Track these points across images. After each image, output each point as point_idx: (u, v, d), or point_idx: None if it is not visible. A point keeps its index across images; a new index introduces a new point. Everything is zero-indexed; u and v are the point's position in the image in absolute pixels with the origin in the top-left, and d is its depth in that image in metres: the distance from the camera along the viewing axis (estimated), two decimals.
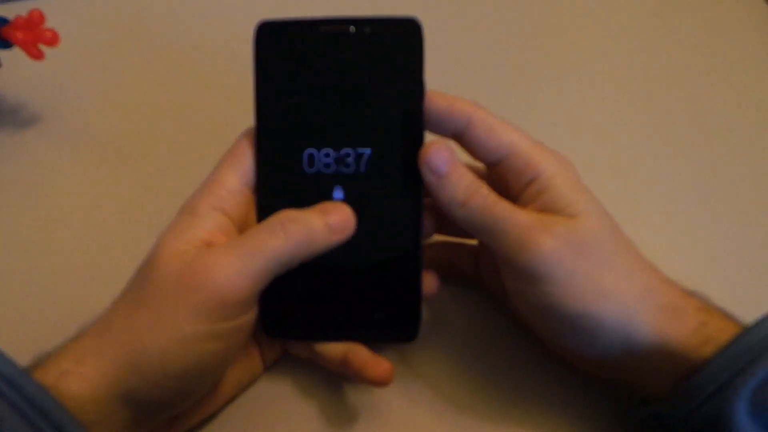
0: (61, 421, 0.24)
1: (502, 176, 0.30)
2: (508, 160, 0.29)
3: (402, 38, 0.29)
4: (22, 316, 0.35)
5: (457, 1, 0.52)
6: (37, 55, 0.40)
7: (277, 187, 0.30)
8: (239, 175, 0.29)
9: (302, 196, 0.30)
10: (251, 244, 0.27)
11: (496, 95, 0.43)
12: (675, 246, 0.38)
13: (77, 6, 0.50)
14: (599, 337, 0.27)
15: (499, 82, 0.47)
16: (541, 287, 0.27)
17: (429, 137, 0.30)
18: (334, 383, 0.33)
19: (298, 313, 0.30)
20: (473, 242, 0.35)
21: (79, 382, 0.25)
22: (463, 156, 0.30)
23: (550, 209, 0.28)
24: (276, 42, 0.30)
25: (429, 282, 0.31)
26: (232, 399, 0.32)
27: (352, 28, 0.29)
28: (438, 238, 0.35)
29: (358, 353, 0.30)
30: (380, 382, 0.29)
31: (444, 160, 0.28)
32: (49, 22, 0.40)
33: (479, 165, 0.31)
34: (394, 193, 0.30)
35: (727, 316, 0.28)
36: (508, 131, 0.29)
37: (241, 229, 0.30)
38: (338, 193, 0.30)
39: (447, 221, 0.31)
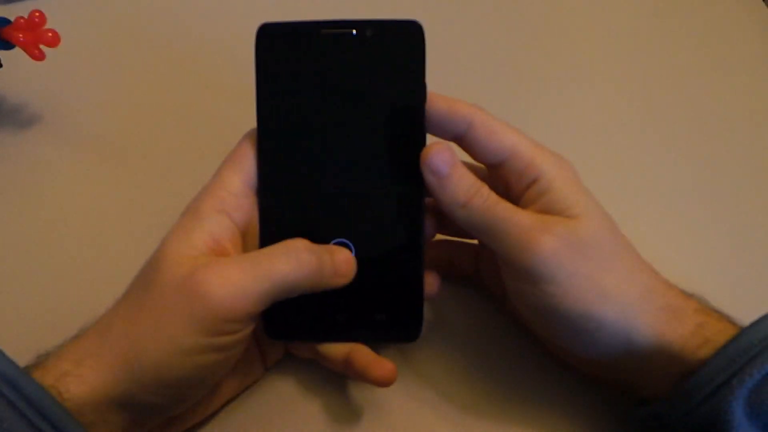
0: (61, 421, 0.24)
1: (503, 178, 0.30)
2: (509, 161, 0.29)
3: (403, 41, 0.29)
4: (22, 316, 0.35)
5: (458, 3, 0.52)
6: (38, 56, 0.40)
7: (280, 188, 0.30)
8: (241, 176, 0.29)
9: (304, 198, 0.30)
10: (263, 264, 0.27)
11: (496, 97, 0.43)
12: (674, 246, 0.38)
13: (78, 7, 0.50)
14: (599, 338, 0.28)
15: (500, 83, 0.47)
16: (542, 288, 0.27)
17: (430, 139, 0.30)
18: (336, 382, 0.33)
19: (299, 315, 0.30)
20: (473, 242, 0.35)
21: (77, 383, 0.25)
22: (464, 157, 0.30)
23: (550, 210, 0.28)
24: (277, 44, 0.30)
25: (430, 282, 0.31)
26: (231, 399, 0.32)
27: (353, 31, 0.29)
28: (438, 237, 0.35)
29: (360, 354, 0.30)
30: (383, 383, 0.29)
31: (445, 161, 0.28)
32: (50, 23, 0.40)
33: (480, 166, 0.31)
34: (396, 194, 0.30)
35: (724, 318, 0.28)
36: (509, 133, 0.29)
37: (245, 231, 0.30)
38: (340, 194, 0.30)
39: (448, 222, 0.32)
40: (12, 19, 0.40)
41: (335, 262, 0.28)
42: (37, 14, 0.39)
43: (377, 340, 0.32)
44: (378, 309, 0.30)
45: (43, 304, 0.36)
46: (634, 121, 0.45)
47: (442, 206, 0.29)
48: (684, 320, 0.27)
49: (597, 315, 0.27)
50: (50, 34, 0.39)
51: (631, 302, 0.27)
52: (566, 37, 0.50)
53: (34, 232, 0.39)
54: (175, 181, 0.39)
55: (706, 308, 0.29)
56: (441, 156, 0.28)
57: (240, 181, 0.29)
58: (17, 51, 0.40)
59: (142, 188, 0.41)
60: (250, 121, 0.30)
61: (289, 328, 0.31)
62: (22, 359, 0.26)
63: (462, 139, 0.30)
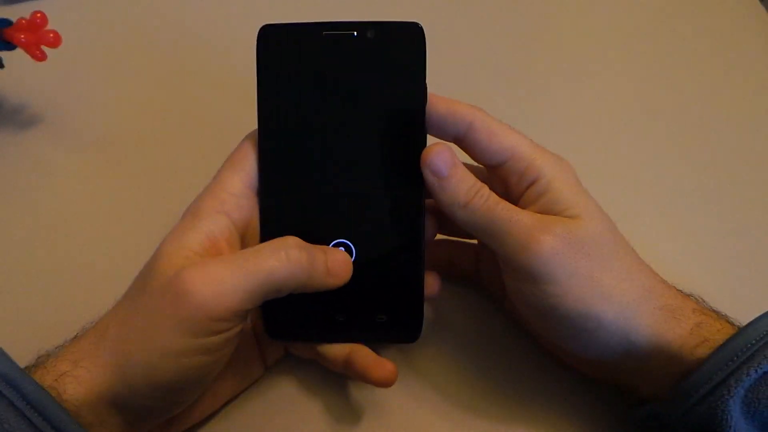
0: (60, 421, 0.24)
1: (502, 178, 0.30)
2: (509, 162, 0.30)
3: (404, 42, 0.29)
4: (22, 316, 0.35)
5: (457, 5, 0.52)
6: (40, 57, 0.40)
7: (280, 189, 0.30)
8: (242, 177, 0.29)
9: (305, 199, 0.30)
10: (249, 261, 0.26)
11: (496, 98, 0.44)
12: (673, 246, 0.39)
13: (79, 8, 0.50)
14: (598, 338, 0.28)
15: (500, 85, 0.47)
16: (542, 287, 0.27)
17: (430, 140, 0.30)
18: (336, 382, 0.33)
19: (300, 315, 0.31)
20: (473, 242, 0.35)
21: (75, 384, 0.25)
22: (463, 158, 0.31)
23: (550, 211, 0.29)
24: (279, 45, 0.30)
25: (430, 283, 0.31)
26: (231, 399, 0.32)
27: (354, 32, 0.29)
28: (438, 237, 0.35)
29: (361, 354, 0.30)
30: (384, 384, 0.29)
31: (445, 162, 0.28)
32: (52, 24, 0.40)
33: (480, 167, 0.31)
34: (396, 195, 0.30)
35: (722, 317, 0.29)
36: (509, 134, 0.30)
37: (244, 231, 0.30)
38: (341, 195, 0.30)
39: (448, 222, 0.32)
40: (13, 20, 0.40)
41: (329, 262, 0.28)
42: (38, 15, 0.39)
43: (377, 341, 0.32)
44: (378, 310, 0.30)
45: (43, 304, 0.36)
46: (633, 121, 0.45)
47: (442, 207, 0.29)
48: (682, 320, 0.28)
49: (596, 314, 0.27)
50: (51, 35, 0.39)
51: (630, 302, 0.28)
52: (566, 38, 0.51)
53: (34, 232, 0.39)
54: (175, 182, 0.39)
55: (704, 308, 0.29)
56: (441, 156, 0.28)
57: (240, 182, 0.29)
58: (19, 52, 0.40)
59: (143, 189, 0.41)
60: (251, 122, 0.30)
61: (290, 329, 0.31)
62: (22, 359, 0.26)
63: (462, 140, 0.30)
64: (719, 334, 0.27)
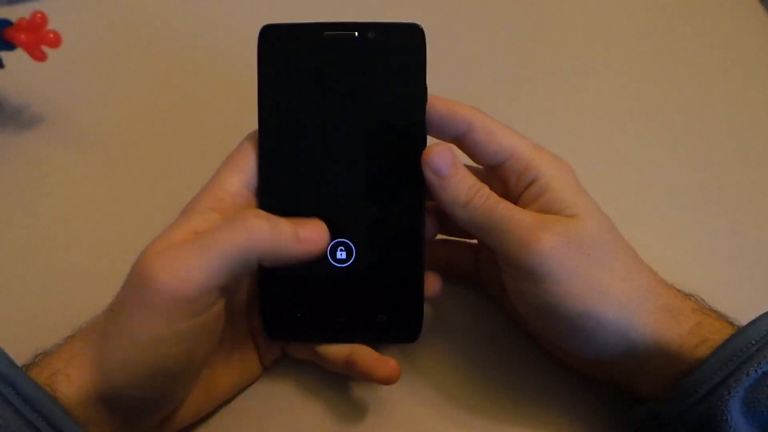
0: (57, 418, 0.24)
1: (501, 178, 0.31)
2: (508, 162, 0.30)
3: (405, 43, 0.29)
4: (22, 315, 0.35)
5: (457, 6, 0.52)
6: (40, 57, 0.40)
7: (280, 189, 0.30)
8: (240, 176, 0.29)
9: (305, 199, 0.30)
10: (208, 238, 0.26)
11: (496, 99, 0.44)
12: (673, 246, 0.39)
13: (80, 8, 0.50)
14: (598, 337, 0.28)
15: (500, 86, 0.47)
16: (542, 286, 0.27)
17: (430, 141, 0.30)
18: (335, 382, 0.33)
19: (300, 315, 0.31)
20: (473, 241, 0.35)
21: (66, 383, 0.25)
22: (463, 159, 0.31)
23: (549, 210, 0.29)
24: (280, 45, 0.30)
25: (432, 282, 0.31)
26: (227, 399, 0.32)
27: (355, 33, 0.29)
28: (438, 236, 0.35)
29: (363, 354, 0.30)
30: (388, 381, 0.29)
31: (446, 161, 0.29)
32: (52, 24, 0.40)
33: (478, 167, 0.32)
34: (396, 195, 0.30)
35: (722, 317, 0.29)
36: (508, 134, 0.30)
37: None
38: (341, 195, 0.30)
39: (448, 223, 0.32)
40: (14, 20, 0.40)
41: (301, 230, 0.28)
42: (38, 15, 0.40)
43: (377, 341, 0.32)
44: (378, 310, 0.30)
45: (43, 304, 0.36)
46: (633, 121, 0.45)
47: (443, 206, 0.29)
48: (682, 320, 0.28)
49: (597, 314, 0.27)
50: (52, 35, 0.39)
51: (630, 301, 0.28)
52: (566, 38, 0.51)
53: (35, 232, 0.39)
54: (176, 182, 0.39)
55: (704, 308, 0.29)
56: (442, 156, 0.29)
57: (238, 181, 0.29)
58: (19, 52, 0.40)
59: (143, 188, 0.41)
60: (251, 122, 0.30)
61: (289, 329, 0.31)
62: (22, 359, 0.27)
63: (461, 141, 0.30)
64: (719, 334, 0.27)
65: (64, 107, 0.45)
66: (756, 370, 0.25)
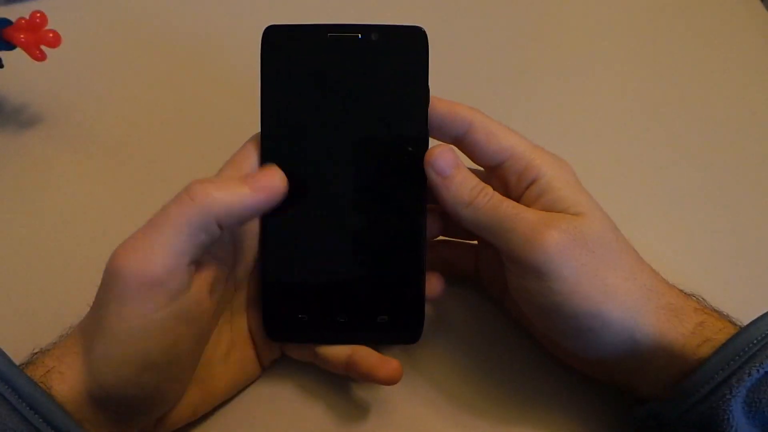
0: (54, 416, 0.24)
1: (502, 179, 0.31)
2: (508, 162, 0.30)
3: (407, 46, 0.29)
4: (22, 315, 0.35)
5: (456, 7, 0.52)
6: (39, 57, 0.40)
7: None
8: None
9: (306, 199, 0.30)
10: (158, 218, 0.26)
11: (495, 100, 0.44)
12: (674, 246, 0.39)
13: (79, 7, 0.50)
14: (604, 337, 0.28)
15: (499, 87, 0.47)
16: (548, 284, 0.27)
17: (431, 142, 0.30)
18: (334, 382, 0.33)
19: (300, 316, 0.31)
20: (473, 242, 0.35)
21: (59, 381, 0.25)
22: (463, 161, 0.31)
23: (553, 209, 0.29)
24: (283, 46, 0.30)
25: (434, 283, 0.31)
26: (226, 398, 0.32)
27: (359, 35, 0.29)
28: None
29: (364, 354, 0.30)
30: (390, 382, 0.29)
31: (449, 162, 0.29)
32: (51, 24, 0.40)
33: (479, 169, 0.32)
34: (398, 196, 0.30)
35: (724, 317, 0.29)
36: (507, 134, 0.30)
37: (235, 230, 0.30)
38: (343, 196, 0.30)
39: (450, 224, 0.32)
40: (13, 19, 0.40)
41: (252, 181, 0.27)
42: (38, 15, 0.39)
43: (378, 342, 0.32)
44: (380, 310, 0.30)
45: (43, 304, 0.36)
46: (633, 122, 0.45)
47: (445, 206, 0.29)
48: (684, 319, 0.28)
49: (602, 313, 0.27)
50: (51, 35, 0.39)
51: (635, 301, 0.28)
52: (566, 39, 0.51)
53: (35, 231, 0.39)
54: (176, 182, 0.38)
55: (706, 308, 0.29)
56: (445, 157, 0.29)
57: None
58: (18, 52, 0.40)
59: (143, 188, 0.41)
60: (252, 122, 0.30)
61: (290, 330, 0.31)
62: (22, 358, 0.27)
63: (461, 142, 0.30)
64: (721, 334, 0.27)
65: (64, 107, 0.45)
66: (758, 370, 0.25)
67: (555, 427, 0.32)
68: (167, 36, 0.49)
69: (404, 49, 0.29)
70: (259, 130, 0.30)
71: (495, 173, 0.31)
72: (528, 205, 0.29)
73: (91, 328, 0.26)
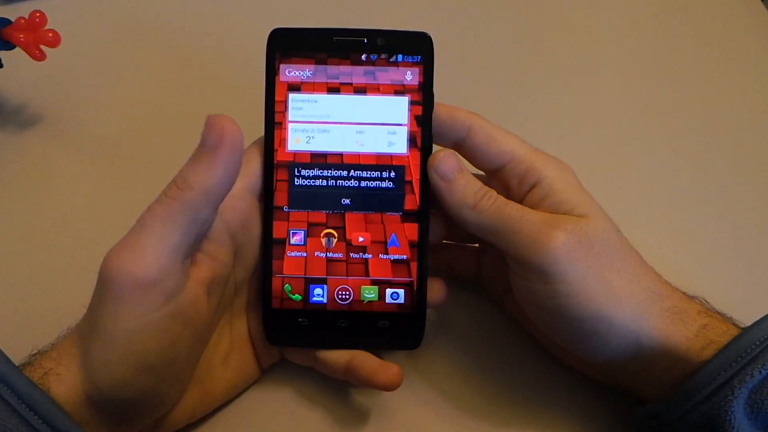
0: (53, 417, 0.24)
1: (503, 183, 0.31)
2: (509, 166, 0.30)
3: (413, 51, 0.30)
4: (21, 315, 0.35)
5: (455, 9, 0.52)
6: (39, 56, 0.40)
7: (284, 193, 0.30)
8: (242, 179, 0.29)
9: (309, 203, 0.30)
10: (144, 219, 0.26)
11: (495, 103, 0.43)
12: (675, 248, 0.39)
13: (79, 7, 0.50)
14: (609, 340, 0.28)
15: (499, 90, 0.47)
16: (554, 287, 0.27)
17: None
18: (334, 385, 0.33)
19: (301, 321, 0.30)
20: (474, 245, 0.35)
21: (57, 382, 0.25)
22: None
23: (557, 212, 0.29)
24: (289, 50, 0.30)
25: (437, 288, 0.31)
26: (225, 401, 0.32)
27: (365, 39, 0.30)
28: None
29: (364, 359, 0.30)
30: (390, 387, 0.29)
31: (452, 166, 0.29)
32: (51, 24, 0.40)
33: (480, 173, 0.32)
34: (401, 201, 0.30)
35: (727, 319, 0.29)
36: (508, 138, 0.30)
37: (235, 231, 0.29)
38: (346, 200, 0.30)
39: (452, 227, 0.32)
40: (13, 19, 0.40)
41: (206, 153, 0.26)
42: (37, 15, 0.39)
43: (379, 347, 0.32)
44: (381, 315, 0.30)
45: (44, 304, 0.36)
46: (634, 122, 0.45)
47: (449, 210, 0.29)
48: (688, 322, 0.28)
49: (608, 316, 0.27)
50: (51, 35, 0.39)
51: (639, 304, 0.28)
52: (566, 41, 0.51)
53: (34, 231, 0.39)
54: None
55: (709, 310, 0.29)
56: (448, 161, 0.29)
57: (240, 184, 0.29)
58: (18, 51, 0.40)
59: (143, 188, 0.40)
60: (253, 122, 0.30)
61: (291, 335, 0.31)
62: (20, 359, 0.27)
63: (461, 146, 0.30)
64: (725, 336, 0.27)
65: (63, 107, 0.44)
66: (760, 371, 0.25)
67: (556, 429, 0.32)
68: (167, 36, 0.49)
69: (409, 55, 0.30)
70: (262, 133, 0.30)
71: (496, 177, 0.31)
72: (531, 208, 0.29)
73: (87, 331, 0.26)
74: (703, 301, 0.29)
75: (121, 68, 0.47)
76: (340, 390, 0.33)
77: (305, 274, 0.30)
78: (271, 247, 0.30)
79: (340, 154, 0.30)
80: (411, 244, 0.30)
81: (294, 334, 0.31)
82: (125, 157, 0.42)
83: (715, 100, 0.46)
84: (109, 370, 0.25)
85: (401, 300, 0.30)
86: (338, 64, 0.30)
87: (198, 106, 0.45)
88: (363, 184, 0.30)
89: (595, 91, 0.47)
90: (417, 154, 0.30)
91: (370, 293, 0.30)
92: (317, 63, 0.30)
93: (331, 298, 0.30)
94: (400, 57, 0.30)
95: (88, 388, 0.26)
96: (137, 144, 0.43)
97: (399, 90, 0.30)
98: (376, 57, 0.30)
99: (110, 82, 0.46)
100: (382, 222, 0.30)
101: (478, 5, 0.52)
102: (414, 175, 0.30)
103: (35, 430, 0.24)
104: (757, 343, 0.26)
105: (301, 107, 0.30)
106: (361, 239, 0.30)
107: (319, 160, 0.30)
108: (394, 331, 0.30)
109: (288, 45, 0.30)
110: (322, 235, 0.30)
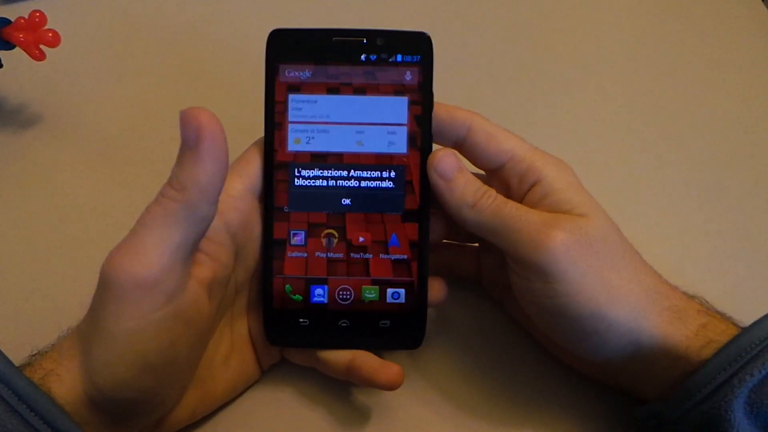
0: (53, 417, 0.24)
1: (503, 181, 0.31)
2: (509, 165, 0.30)
3: (412, 51, 0.30)
4: (22, 315, 0.35)
5: (455, 10, 0.52)
6: (39, 56, 0.40)
7: (284, 194, 0.30)
8: (243, 180, 0.30)
9: (309, 204, 0.30)
10: (144, 220, 0.26)
11: (495, 103, 0.44)
12: (674, 248, 0.39)
13: (78, 7, 0.50)
14: (609, 340, 0.28)
15: (498, 89, 0.47)
16: (553, 286, 0.27)
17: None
18: (335, 385, 0.33)
19: (302, 321, 0.30)
20: (473, 245, 0.35)
21: (58, 383, 0.25)
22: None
23: (557, 211, 0.29)
24: (288, 50, 0.30)
25: (438, 288, 0.31)
26: (225, 401, 0.32)
27: (364, 40, 0.30)
28: None
29: (365, 359, 0.30)
30: (391, 387, 0.29)
31: (452, 166, 0.29)
32: (51, 24, 0.40)
33: (480, 172, 0.32)
34: (401, 200, 0.30)
35: (727, 319, 0.29)
36: (507, 137, 0.30)
37: (236, 231, 0.29)
38: (346, 200, 0.30)
39: (453, 227, 0.32)
40: (12, 19, 0.40)
41: (192, 153, 0.26)
42: (37, 14, 0.39)
43: (380, 347, 0.32)
44: (381, 315, 0.30)
45: (43, 304, 0.36)
46: (634, 121, 0.45)
47: (449, 210, 0.29)
48: (688, 321, 0.28)
49: (607, 315, 0.27)
50: (50, 35, 0.39)
51: (639, 303, 0.28)
52: (566, 41, 0.51)
53: (34, 231, 0.39)
54: None
55: (709, 309, 0.29)
56: (448, 161, 0.29)
57: (241, 185, 0.29)
58: (18, 51, 0.40)
59: (143, 188, 0.40)
60: (253, 123, 0.30)
61: (291, 335, 0.31)
62: (20, 359, 0.27)
63: (461, 145, 0.30)
64: (724, 335, 0.27)
65: (63, 107, 0.44)
66: (760, 371, 0.25)
67: (556, 429, 0.32)
68: (167, 36, 0.49)
69: (409, 55, 0.30)
70: (262, 133, 0.30)
71: (496, 176, 0.31)
72: (532, 207, 0.29)
73: (87, 331, 0.26)
74: (702, 301, 0.29)
75: (121, 68, 0.47)
76: (340, 390, 0.33)
77: (306, 275, 0.30)
78: (271, 247, 0.30)
79: (340, 155, 0.30)
80: (411, 244, 0.30)
81: (295, 335, 0.31)
82: (125, 157, 0.42)
83: (716, 100, 0.46)
84: (110, 370, 0.25)
85: (402, 300, 0.30)
86: (338, 65, 0.30)
87: (199, 106, 0.45)
88: (363, 184, 0.30)
89: (595, 90, 0.47)
90: (417, 153, 0.30)
91: (370, 293, 0.30)
92: (317, 63, 0.30)
93: (331, 299, 0.30)
94: (399, 57, 0.30)
95: (88, 389, 0.26)
96: (137, 144, 0.43)
97: (399, 90, 0.30)
98: (375, 57, 0.30)
99: (110, 82, 0.46)
100: (383, 222, 0.30)
101: (478, 5, 0.52)
102: (414, 175, 0.30)
103: (36, 431, 0.24)
104: (757, 342, 0.26)
105: (300, 108, 0.30)
106: (361, 239, 0.30)
107: (319, 160, 0.30)
108: (395, 331, 0.30)
109: (287, 46, 0.30)
110: (322, 235, 0.30)
